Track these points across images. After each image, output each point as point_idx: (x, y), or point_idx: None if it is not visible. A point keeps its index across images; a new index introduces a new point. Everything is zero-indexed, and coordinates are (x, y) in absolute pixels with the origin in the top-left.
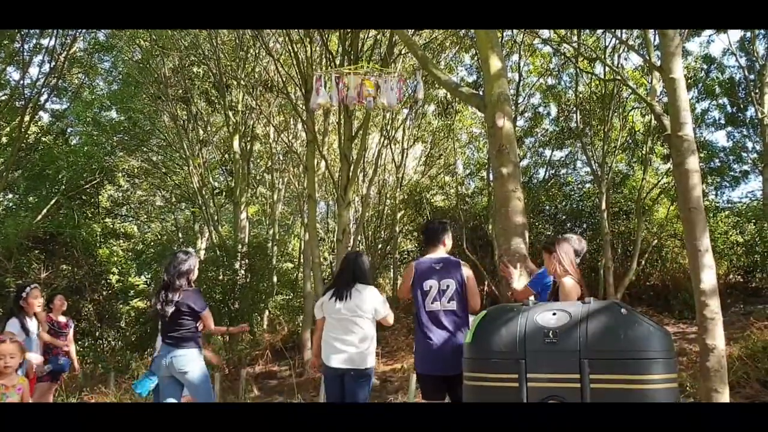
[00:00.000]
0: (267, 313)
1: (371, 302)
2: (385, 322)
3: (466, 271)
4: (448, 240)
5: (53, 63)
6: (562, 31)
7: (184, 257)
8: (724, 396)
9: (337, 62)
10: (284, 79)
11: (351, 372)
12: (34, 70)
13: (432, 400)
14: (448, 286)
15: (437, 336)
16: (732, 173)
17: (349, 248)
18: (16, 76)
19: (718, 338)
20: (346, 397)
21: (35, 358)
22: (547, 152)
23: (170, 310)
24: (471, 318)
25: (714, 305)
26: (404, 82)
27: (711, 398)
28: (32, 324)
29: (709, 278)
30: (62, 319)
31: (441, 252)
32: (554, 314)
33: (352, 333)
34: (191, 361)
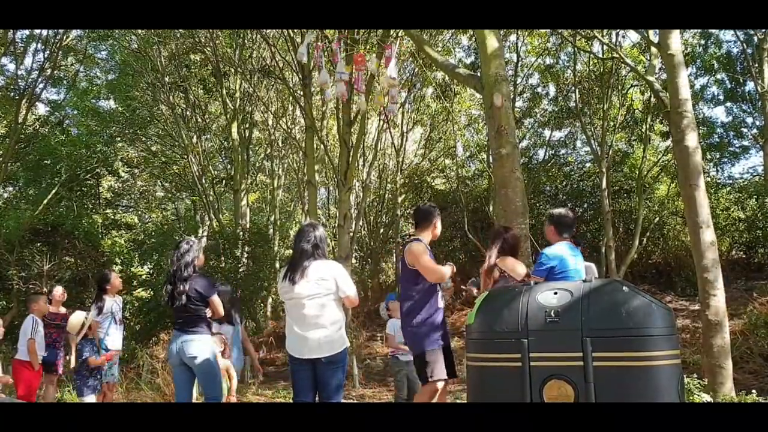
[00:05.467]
0: (270, 299)
1: (333, 278)
2: (349, 303)
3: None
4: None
5: (48, 52)
6: None
7: (186, 247)
8: (728, 371)
9: (333, 46)
10: (281, 65)
11: (322, 359)
12: (28, 60)
13: None
14: None
15: None
16: (732, 149)
17: (351, 234)
18: (11, 67)
19: (720, 314)
20: (318, 385)
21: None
22: (547, 132)
23: (181, 300)
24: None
25: (716, 282)
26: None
27: (715, 373)
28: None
29: (710, 255)
30: (62, 310)
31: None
32: (555, 293)
33: (318, 316)
34: (201, 347)
